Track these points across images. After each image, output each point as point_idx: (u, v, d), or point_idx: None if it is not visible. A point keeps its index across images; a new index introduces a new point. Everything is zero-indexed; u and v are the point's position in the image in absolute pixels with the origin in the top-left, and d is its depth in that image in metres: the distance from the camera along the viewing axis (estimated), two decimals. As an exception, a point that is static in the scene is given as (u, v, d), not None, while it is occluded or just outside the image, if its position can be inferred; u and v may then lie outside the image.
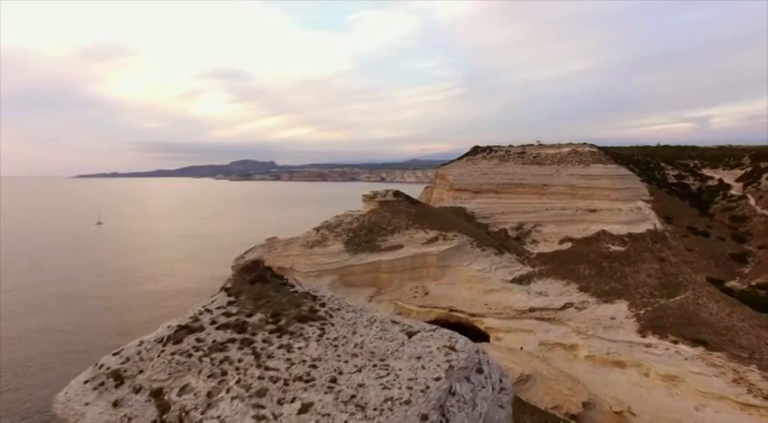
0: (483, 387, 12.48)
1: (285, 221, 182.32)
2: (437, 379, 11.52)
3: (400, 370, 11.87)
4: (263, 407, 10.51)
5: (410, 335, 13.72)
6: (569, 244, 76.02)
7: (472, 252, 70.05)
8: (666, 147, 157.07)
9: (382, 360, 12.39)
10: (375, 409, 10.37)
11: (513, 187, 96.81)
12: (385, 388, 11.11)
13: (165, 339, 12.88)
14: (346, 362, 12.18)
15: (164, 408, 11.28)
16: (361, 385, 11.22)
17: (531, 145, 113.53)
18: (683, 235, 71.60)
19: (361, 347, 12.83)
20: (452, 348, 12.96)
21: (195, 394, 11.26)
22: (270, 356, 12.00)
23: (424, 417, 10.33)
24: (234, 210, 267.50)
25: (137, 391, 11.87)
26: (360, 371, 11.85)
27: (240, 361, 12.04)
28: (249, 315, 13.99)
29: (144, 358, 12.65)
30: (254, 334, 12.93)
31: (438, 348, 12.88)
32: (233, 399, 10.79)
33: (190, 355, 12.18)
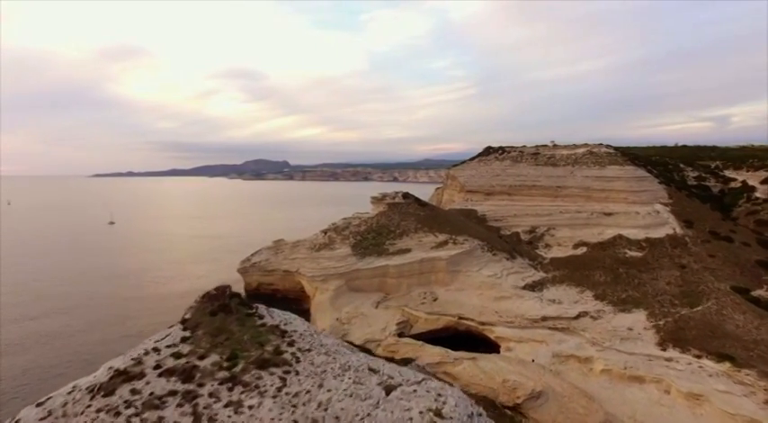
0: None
1: (295, 222, 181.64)
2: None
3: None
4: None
5: (389, 391, 11.54)
6: (584, 249, 73.29)
7: (483, 257, 67.85)
8: (685, 147, 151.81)
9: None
10: None
11: (526, 189, 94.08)
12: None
13: (96, 388, 11.20)
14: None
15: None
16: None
17: (546, 145, 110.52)
18: (704, 240, 68.26)
19: (326, 410, 10.82)
20: (438, 414, 10.68)
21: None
22: (212, 420, 10.21)
23: None
24: (246, 210, 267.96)
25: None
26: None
27: (174, 425, 9.97)
28: (202, 357, 12.23)
29: (68, 413, 10.96)
30: (200, 384, 11.18)
31: (420, 413, 10.59)
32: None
33: (117, 414, 10.51)
